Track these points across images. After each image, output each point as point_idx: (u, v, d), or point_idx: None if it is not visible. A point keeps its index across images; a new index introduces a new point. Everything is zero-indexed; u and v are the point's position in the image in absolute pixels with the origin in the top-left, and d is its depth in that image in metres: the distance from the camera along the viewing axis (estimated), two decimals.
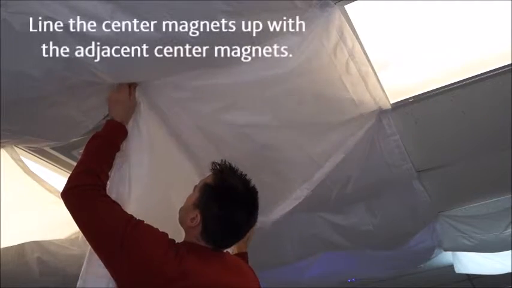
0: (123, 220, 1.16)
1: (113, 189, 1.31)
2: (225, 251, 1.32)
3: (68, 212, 1.22)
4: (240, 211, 1.22)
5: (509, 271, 3.54)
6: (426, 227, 2.83)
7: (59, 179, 1.89)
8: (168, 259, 1.12)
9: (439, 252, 3.23)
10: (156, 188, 1.46)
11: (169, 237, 1.20)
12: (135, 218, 1.19)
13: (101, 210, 1.19)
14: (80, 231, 1.25)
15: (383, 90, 1.66)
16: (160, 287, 1.10)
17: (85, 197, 1.21)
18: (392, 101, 1.73)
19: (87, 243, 1.23)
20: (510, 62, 1.56)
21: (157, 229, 1.19)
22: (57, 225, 1.96)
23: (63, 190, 1.24)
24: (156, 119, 1.54)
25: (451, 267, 3.68)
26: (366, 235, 2.61)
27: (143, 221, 1.19)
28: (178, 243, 1.21)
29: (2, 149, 1.62)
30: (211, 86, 1.44)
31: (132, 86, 1.41)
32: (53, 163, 1.85)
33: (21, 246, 2.00)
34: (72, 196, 1.22)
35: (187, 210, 1.26)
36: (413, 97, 1.72)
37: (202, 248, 1.23)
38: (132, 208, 1.28)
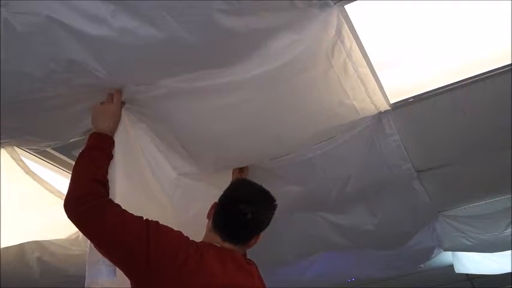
0: (143, 225, 1.19)
1: None
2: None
3: (78, 221, 1.20)
4: (241, 202, 1.32)
5: (509, 271, 3.54)
6: (426, 227, 2.83)
7: (59, 179, 1.89)
8: (189, 256, 1.17)
9: (439, 252, 3.23)
10: (139, 193, 1.49)
11: None
12: (150, 220, 1.22)
13: (121, 217, 1.20)
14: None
15: (382, 91, 1.66)
16: (181, 282, 1.14)
17: (101, 204, 1.20)
18: (392, 101, 1.73)
19: (88, 242, 1.24)
20: (510, 62, 1.56)
21: (172, 228, 1.24)
22: (57, 225, 1.96)
23: (71, 199, 1.21)
24: (139, 121, 1.56)
25: (451, 267, 3.69)
26: (366, 235, 2.60)
27: (158, 222, 1.23)
28: (195, 241, 1.27)
29: (2, 149, 1.62)
30: (211, 86, 1.44)
31: (115, 97, 1.40)
32: (53, 163, 1.84)
33: (21, 246, 2.00)
34: (84, 204, 1.18)
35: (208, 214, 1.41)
36: (413, 97, 1.72)
37: (217, 248, 1.29)
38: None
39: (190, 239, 1.28)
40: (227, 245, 1.32)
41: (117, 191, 1.35)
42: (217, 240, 1.32)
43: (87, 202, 1.19)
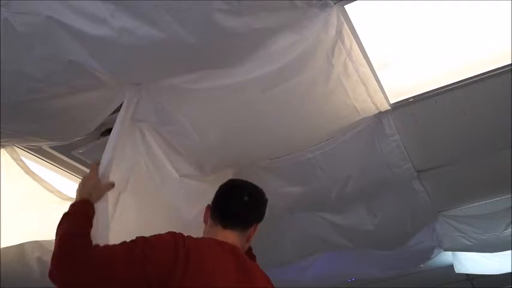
0: (130, 249, 1.14)
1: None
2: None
3: (65, 276, 1.12)
4: (238, 189, 1.40)
5: (509, 271, 3.54)
6: (426, 227, 2.83)
7: (59, 179, 1.89)
8: (189, 254, 1.15)
9: (439, 252, 3.23)
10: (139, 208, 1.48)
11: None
12: (136, 240, 1.17)
13: (107, 253, 1.15)
14: None
15: (382, 91, 1.66)
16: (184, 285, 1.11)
17: (83, 253, 1.14)
18: (392, 101, 1.73)
19: None
20: (510, 62, 1.56)
21: (161, 235, 1.20)
22: (57, 225, 1.96)
23: (54, 260, 1.14)
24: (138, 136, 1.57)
25: (451, 267, 3.68)
26: (366, 235, 2.61)
27: (144, 237, 1.18)
28: (192, 237, 1.24)
29: (2, 149, 1.62)
30: (212, 87, 1.44)
31: (93, 171, 1.39)
32: (53, 163, 1.85)
33: (21, 246, 2.00)
34: (70, 256, 1.13)
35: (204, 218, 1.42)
36: (413, 97, 1.72)
37: (218, 243, 1.27)
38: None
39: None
40: (228, 233, 1.31)
41: (115, 192, 1.35)
42: (217, 232, 1.31)
43: (70, 258, 1.13)
